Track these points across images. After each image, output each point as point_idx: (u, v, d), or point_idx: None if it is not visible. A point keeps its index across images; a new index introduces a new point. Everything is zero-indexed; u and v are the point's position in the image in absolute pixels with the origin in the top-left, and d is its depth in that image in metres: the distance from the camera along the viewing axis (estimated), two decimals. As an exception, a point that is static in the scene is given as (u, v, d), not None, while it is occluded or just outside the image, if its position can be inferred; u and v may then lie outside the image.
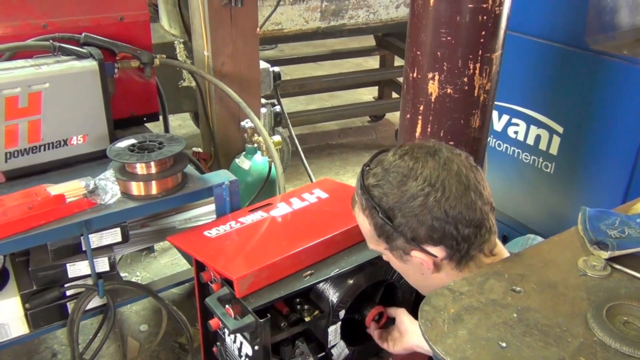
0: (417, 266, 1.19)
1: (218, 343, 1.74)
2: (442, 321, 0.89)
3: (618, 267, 1.03)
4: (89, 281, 1.89)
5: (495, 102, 1.88)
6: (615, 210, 1.21)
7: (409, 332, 1.40)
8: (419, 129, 1.75)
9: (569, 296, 0.96)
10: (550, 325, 0.89)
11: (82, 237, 1.80)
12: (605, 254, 1.04)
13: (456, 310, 0.92)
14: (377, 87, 4.85)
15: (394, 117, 4.79)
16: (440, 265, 1.17)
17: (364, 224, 1.22)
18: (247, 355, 1.52)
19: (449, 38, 1.58)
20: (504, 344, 0.85)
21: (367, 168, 1.21)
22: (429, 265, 1.16)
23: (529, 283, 0.99)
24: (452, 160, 1.13)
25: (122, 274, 2.16)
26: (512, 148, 2.51)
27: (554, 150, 2.34)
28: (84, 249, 1.83)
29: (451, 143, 1.72)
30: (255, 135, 2.50)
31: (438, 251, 1.14)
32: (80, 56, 1.99)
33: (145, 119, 2.42)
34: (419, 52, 1.67)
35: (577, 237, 1.12)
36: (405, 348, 1.40)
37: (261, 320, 1.39)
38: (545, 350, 0.84)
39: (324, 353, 1.62)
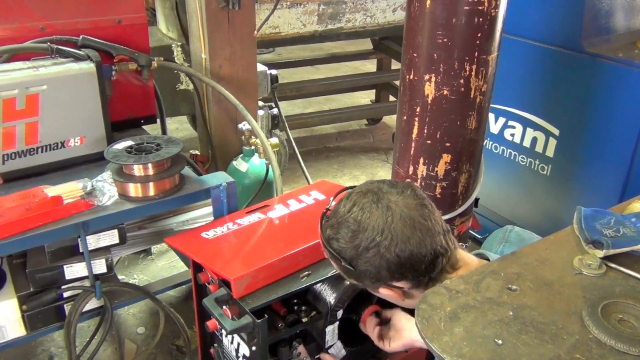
0: (389, 296, 1.29)
1: (215, 344, 1.74)
2: (438, 319, 0.90)
3: (613, 265, 1.03)
4: (86, 283, 1.89)
5: (492, 105, 1.89)
6: (611, 210, 1.22)
7: (405, 329, 1.42)
8: (415, 131, 1.76)
9: (564, 294, 0.97)
10: (546, 323, 0.89)
11: (79, 239, 1.80)
12: (601, 253, 1.05)
13: (452, 308, 0.92)
14: (374, 91, 4.86)
15: (391, 120, 4.80)
16: (408, 293, 1.28)
17: (334, 266, 1.33)
18: (244, 356, 1.52)
19: (445, 40, 1.59)
20: (500, 342, 0.85)
21: (326, 218, 1.30)
22: (398, 296, 1.27)
23: (524, 281, 0.99)
24: (396, 203, 1.20)
25: (119, 277, 2.15)
26: (509, 150, 2.52)
27: (550, 152, 2.35)
28: (81, 250, 1.83)
29: (447, 144, 1.74)
30: (253, 137, 2.51)
31: (402, 284, 1.24)
32: (77, 58, 1.99)
33: (142, 121, 2.42)
34: (415, 54, 1.68)
35: (572, 236, 1.13)
36: (404, 344, 1.43)
37: (258, 321, 1.39)
38: (541, 347, 0.85)
39: (321, 354, 1.62)
